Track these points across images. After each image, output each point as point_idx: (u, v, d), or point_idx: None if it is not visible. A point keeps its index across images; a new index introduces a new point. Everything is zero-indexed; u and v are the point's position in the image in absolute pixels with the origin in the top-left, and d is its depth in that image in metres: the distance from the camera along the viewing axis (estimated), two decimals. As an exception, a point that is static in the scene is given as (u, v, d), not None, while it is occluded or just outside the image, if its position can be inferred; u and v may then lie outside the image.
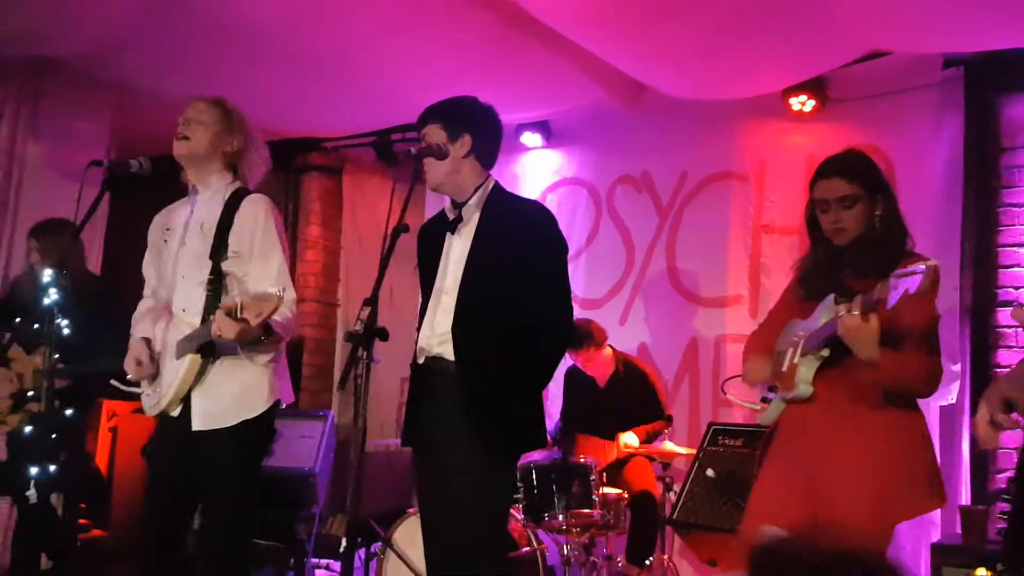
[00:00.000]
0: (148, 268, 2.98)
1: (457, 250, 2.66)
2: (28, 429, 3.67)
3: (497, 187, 2.74)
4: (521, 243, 2.61)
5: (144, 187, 2.89)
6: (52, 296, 2.83)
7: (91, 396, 3.83)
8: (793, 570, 1.02)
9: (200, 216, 2.84)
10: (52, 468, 2.67)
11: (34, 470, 2.66)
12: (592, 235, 5.61)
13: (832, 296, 2.44)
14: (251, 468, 2.81)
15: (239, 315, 2.48)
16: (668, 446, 4.37)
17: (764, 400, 2.66)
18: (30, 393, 3.70)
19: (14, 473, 3.64)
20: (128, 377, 2.84)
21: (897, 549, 3.84)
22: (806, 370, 2.46)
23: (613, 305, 5.42)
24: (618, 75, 4.83)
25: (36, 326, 3.64)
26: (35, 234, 3.98)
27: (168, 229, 2.90)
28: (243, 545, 2.77)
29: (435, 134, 2.64)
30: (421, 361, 2.68)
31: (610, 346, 4.76)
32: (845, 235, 2.53)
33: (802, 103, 4.83)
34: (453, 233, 2.67)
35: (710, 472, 4.20)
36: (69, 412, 3.60)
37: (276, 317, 2.62)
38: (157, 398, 2.79)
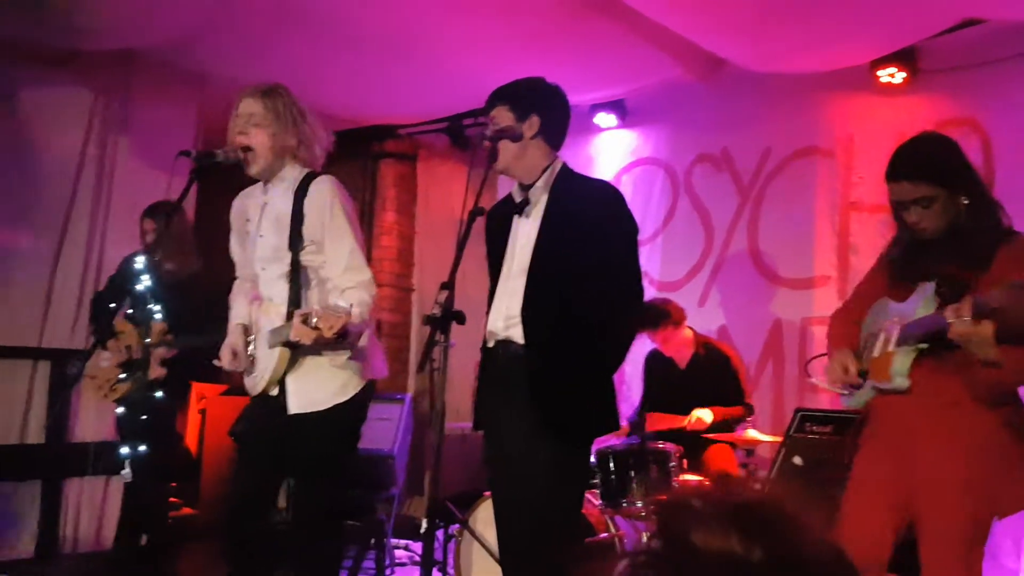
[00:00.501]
0: (235, 249, 3.07)
1: (525, 233, 2.65)
2: (120, 410, 3.81)
3: (565, 168, 2.72)
4: (590, 224, 2.59)
5: (231, 176, 2.96)
6: (145, 282, 2.93)
7: (184, 379, 3.96)
8: None
9: (274, 208, 2.89)
10: (143, 448, 2.78)
11: (125, 449, 2.76)
12: (669, 216, 5.54)
13: (932, 285, 2.33)
14: (341, 449, 2.88)
15: (313, 325, 2.52)
16: (751, 433, 4.27)
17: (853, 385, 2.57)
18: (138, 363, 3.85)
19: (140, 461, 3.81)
20: (222, 366, 2.93)
21: (996, 544, 3.70)
22: (902, 362, 2.36)
23: (691, 287, 5.35)
24: (694, 49, 4.74)
25: (130, 311, 3.79)
26: (151, 215, 4.08)
27: (248, 220, 2.97)
28: (333, 522, 2.85)
29: (503, 116, 2.63)
30: (491, 345, 2.69)
31: (690, 327, 4.70)
32: (928, 232, 2.42)
33: (891, 75, 4.65)
34: (521, 216, 2.66)
35: (797, 460, 4.09)
36: (159, 395, 3.73)
37: (355, 319, 2.65)
38: (254, 381, 2.88)
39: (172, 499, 4.65)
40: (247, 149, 2.82)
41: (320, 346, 2.69)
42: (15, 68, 4.77)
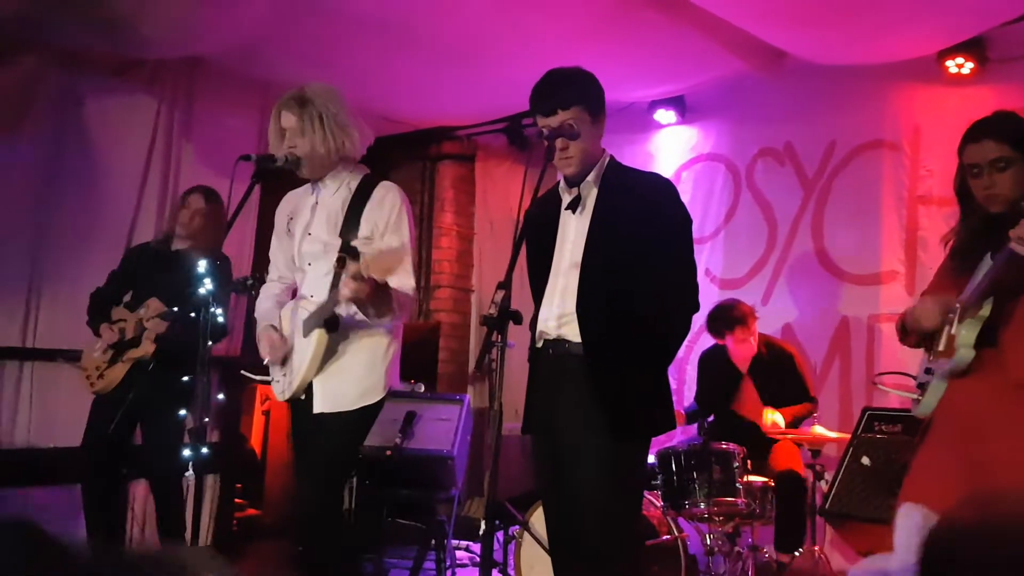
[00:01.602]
0: (275, 253, 3.10)
1: (574, 228, 2.62)
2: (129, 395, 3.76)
3: (613, 161, 2.68)
4: (643, 217, 2.55)
5: (291, 179, 3.01)
6: (207, 285, 2.98)
7: (185, 355, 3.72)
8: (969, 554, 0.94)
9: (326, 207, 2.91)
10: (204, 450, 2.84)
11: (188, 452, 2.83)
12: (731, 212, 5.48)
13: (988, 255, 2.29)
14: (353, 451, 2.93)
15: (367, 273, 2.53)
16: (818, 430, 4.19)
17: (920, 387, 2.51)
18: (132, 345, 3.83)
19: (149, 454, 3.85)
20: (265, 361, 2.98)
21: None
22: (967, 333, 2.30)
23: (755, 284, 5.28)
24: (755, 42, 4.67)
25: (192, 315, 3.86)
26: (205, 193, 4.09)
27: (292, 219, 3.00)
28: (339, 516, 2.89)
29: (579, 117, 2.56)
30: (540, 345, 2.65)
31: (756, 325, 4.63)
32: (1000, 200, 2.36)
33: (959, 65, 4.53)
34: (573, 212, 2.65)
35: (865, 460, 4.01)
36: (186, 379, 3.67)
37: (397, 283, 2.67)
38: (288, 382, 2.90)
39: (237, 500, 4.74)
40: (294, 160, 2.87)
41: (367, 307, 2.68)
42: (82, 77, 4.92)
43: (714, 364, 4.69)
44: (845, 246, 5.01)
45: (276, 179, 3.07)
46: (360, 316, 2.77)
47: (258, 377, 3.04)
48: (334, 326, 2.77)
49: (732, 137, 5.54)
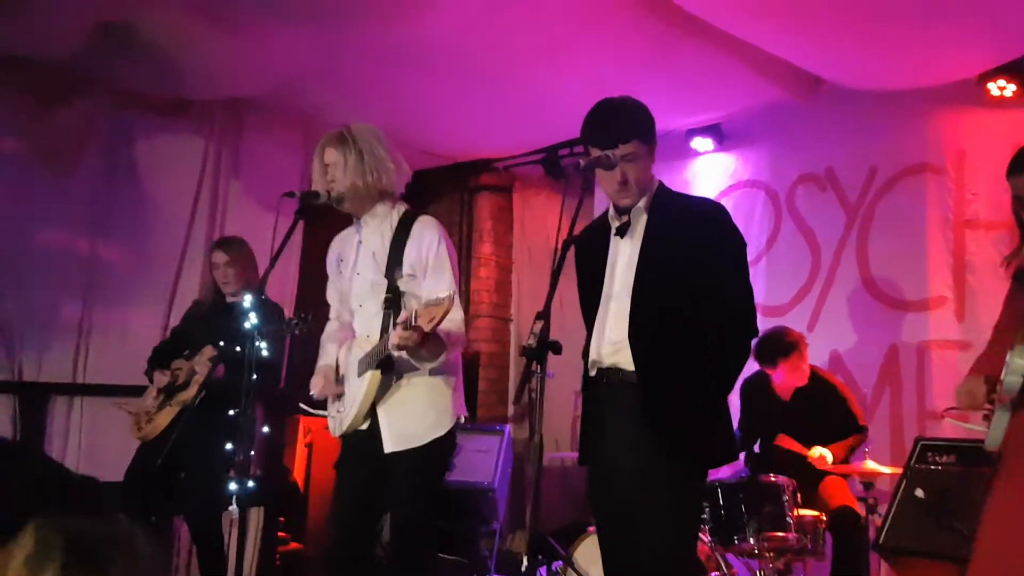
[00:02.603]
0: (331, 294, 3.15)
1: (626, 254, 2.60)
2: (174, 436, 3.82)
3: (663, 187, 2.68)
4: (696, 241, 2.53)
5: (335, 216, 3.05)
6: (252, 320, 3.02)
7: (229, 398, 3.91)
8: None
9: (370, 245, 2.95)
10: (251, 484, 2.86)
11: (233, 485, 2.85)
12: (772, 238, 5.42)
13: None
14: (436, 484, 2.91)
15: (414, 323, 2.56)
16: (869, 465, 4.07)
17: (986, 418, 2.42)
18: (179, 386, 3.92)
19: (187, 490, 3.88)
20: (312, 394, 3.00)
21: None
22: (1019, 360, 2.22)
23: (799, 312, 5.20)
24: (791, 69, 4.65)
25: (237, 349, 3.92)
26: (222, 247, 4.25)
27: (341, 260, 3.05)
28: (426, 555, 2.86)
29: (638, 149, 2.55)
30: (594, 374, 2.63)
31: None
32: None
33: (1001, 88, 4.45)
34: (622, 237, 2.63)
35: (919, 492, 3.87)
36: (231, 412, 3.73)
37: (447, 325, 2.67)
38: (341, 419, 2.92)
39: (280, 534, 4.75)
40: (339, 193, 2.91)
41: (419, 354, 2.71)
42: (133, 117, 5.06)
43: (757, 392, 4.58)
44: (891, 272, 4.92)
45: (320, 216, 3.11)
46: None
47: (316, 411, 3.06)
48: (388, 367, 2.80)
49: (771, 163, 5.49)
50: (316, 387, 2.97)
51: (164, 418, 3.94)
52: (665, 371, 2.47)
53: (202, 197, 5.25)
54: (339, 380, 2.97)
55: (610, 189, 2.60)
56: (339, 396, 2.95)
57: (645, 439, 2.46)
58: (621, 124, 2.57)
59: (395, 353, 2.75)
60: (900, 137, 4.92)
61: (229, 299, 4.18)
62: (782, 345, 4.34)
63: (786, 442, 4.30)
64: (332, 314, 3.17)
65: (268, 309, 3.68)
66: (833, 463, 4.22)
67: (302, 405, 3.07)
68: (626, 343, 2.52)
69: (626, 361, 2.52)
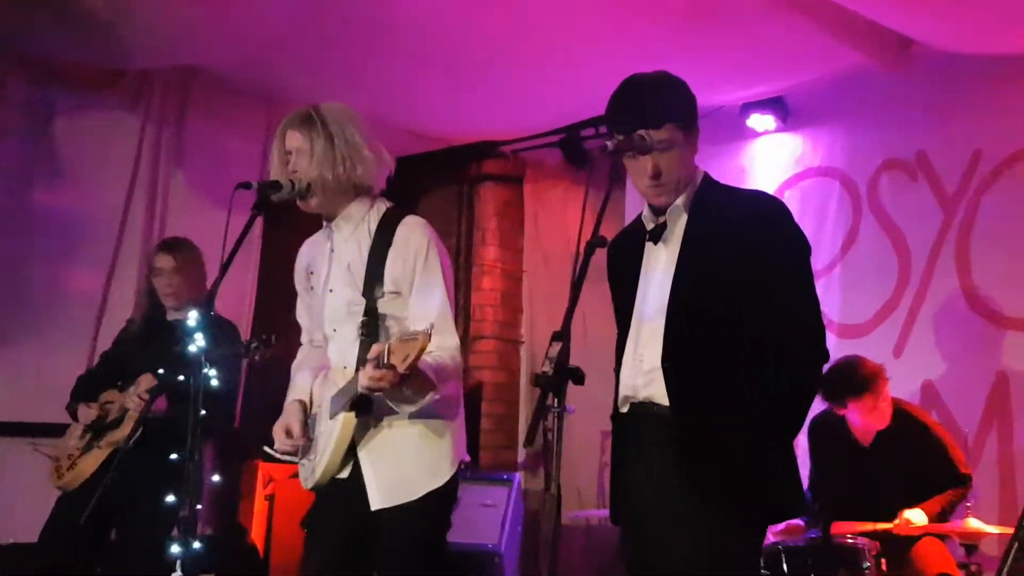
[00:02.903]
0: (301, 314, 3.14)
1: (661, 263, 2.60)
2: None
3: (708, 180, 2.67)
4: (747, 245, 2.51)
5: (300, 213, 3.03)
6: (199, 342, 3.01)
7: (177, 436, 3.90)
8: None
9: (344, 255, 2.95)
10: (197, 545, 2.84)
11: (176, 548, 2.84)
12: (849, 240, 5.41)
13: None
14: (439, 544, 2.90)
15: (386, 361, 2.55)
16: (972, 523, 4.05)
17: None
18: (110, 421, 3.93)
19: (126, 552, 3.87)
20: (275, 448, 3.00)
21: None
22: None
23: (883, 332, 5.19)
24: (874, 29, 4.64)
25: (180, 378, 3.93)
26: (169, 249, 4.23)
27: (312, 272, 3.04)
28: None
29: (673, 136, 2.55)
30: (625, 410, 2.62)
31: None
32: None
33: None
34: (656, 242, 2.63)
35: (1035, 558, 3.88)
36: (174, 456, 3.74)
37: (428, 360, 2.65)
38: (311, 468, 2.91)
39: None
40: (308, 186, 2.90)
41: (395, 397, 2.71)
42: (51, 91, 5.10)
43: (830, 435, 4.53)
44: (1000, 281, 4.90)
45: (284, 215, 3.12)
46: None
47: (284, 456, 3.06)
48: (365, 407, 2.79)
49: (848, 146, 5.49)
50: (278, 438, 2.96)
51: (91, 462, 3.94)
52: (706, 406, 2.46)
53: (137, 190, 5.27)
54: (310, 421, 2.97)
55: (641, 184, 2.60)
56: (308, 444, 2.95)
57: (686, 491, 2.44)
58: (653, 105, 2.56)
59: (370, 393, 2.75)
60: (1011, 114, 4.90)
61: (171, 315, 4.19)
62: (854, 382, 4.32)
63: (849, 528, 4.23)
64: (304, 337, 3.17)
65: (220, 328, 3.69)
66: (930, 522, 4.19)
67: (267, 449, 3.06)
68: (660, 372, 2.51)
69: (660, 394, 2.52)
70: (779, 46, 4.81)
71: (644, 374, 2.55)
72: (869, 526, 4.17)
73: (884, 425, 4.43)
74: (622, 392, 2.62)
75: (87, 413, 4.01)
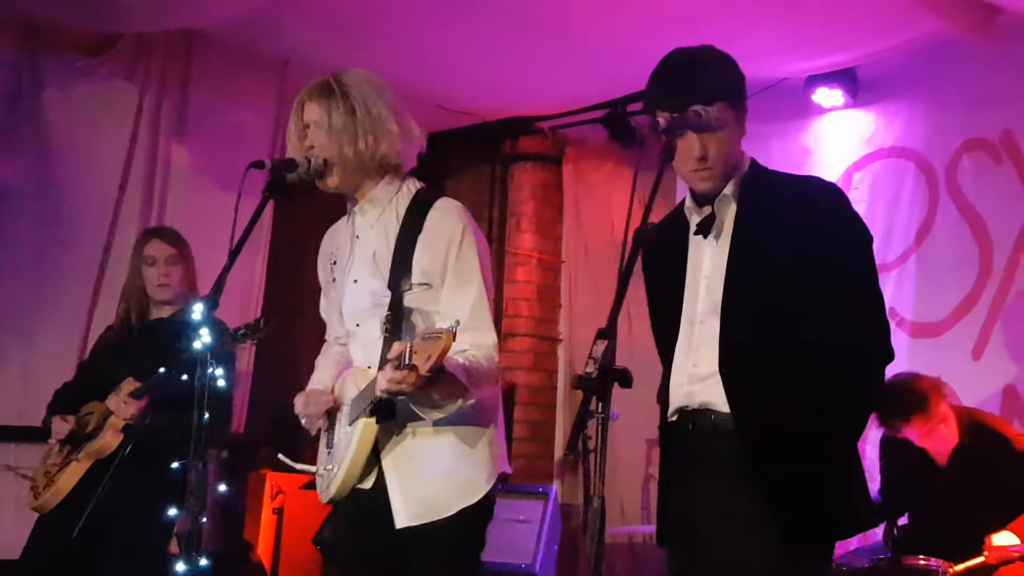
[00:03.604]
0: (327, 311, 3.13)
1: (711, 259, 2.61)
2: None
3: (756, 166, 2.67)
4: (804, 238, 2.52)
5: (318, 196, 3.02)
6: (205, 338, 3.00)
7: (169, 450, 3.72)
8: None
9: (369, 242, 2.93)
10: (203, 562, 2.85)
11: (181, 566, 2.86)
12: (925, 228, 5.39)
13: None
14: (473, 569, 2.89)
15: (407, 362, 2.52)
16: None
17: None
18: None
19: (120, 570, 3.89)
20: (297, 411, 2.98)
21: None
22: None
23: (962, 330, 5.18)
24: (956, -7, 4.65)
25: (184, 377, 3.95)
26: (164, 236, 4.22)
27: (335, 262, 3.03)
28: None
29: (723, 115, 2.55)
30: (675, 419, 2.63)
31: (950, 404, 4.47)
32: None
33: None
34: (705, 237, 2.63)
35: None
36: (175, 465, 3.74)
37: (458, 360, 2.65)
38: (328, 479, 2.89)
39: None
40: (325, 163, 2.89)
41: (418, 401, 2.71)
42: (41, 58, 5.09)
43: (902, 450, 4.53)
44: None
45: (295, 195, 3.11)
46: None
47: (299, 466, 3.06)
48: (387, 413, 2.75)
49: (925, 125, 5.47)
50: (299, 403, 2.97)
51: (69, 478, 3.93)
52: (770, 413, 2.47)
53: (134, 168, 5.27)
54: (333, 423, 2.97)
55: (685, 168, 2.60)
56: (329, 429, 2.95)
57: (749, 510, 2.44)
58: (705, 80, 2.56)
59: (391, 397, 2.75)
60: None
61: (156, 312, 4.19)
62: (901, 406, 4.30)
63: (945, 516, 4.22)
64: (328, 334, 3.17)
65: (216, 326, 3.71)
66: (1019, 543, 4.17)
67: (281, 456, 3.06)
68: (717, 377, 2.52)
69: (719, 401, 2.53)
70: (850, 11, 4.79)
71: (698, 379, 2.56)
72: (959, 567, 4.15)
73: (954, 443, 4.42)
74: (673, 401, 2.63)
75: (61, 426, 4.00)
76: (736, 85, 2.62)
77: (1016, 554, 4.17)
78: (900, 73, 5.45)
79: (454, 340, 2.50)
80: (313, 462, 3.02)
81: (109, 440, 3.89)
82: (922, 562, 3.89)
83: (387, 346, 2.79)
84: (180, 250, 4.19)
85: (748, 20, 4.45)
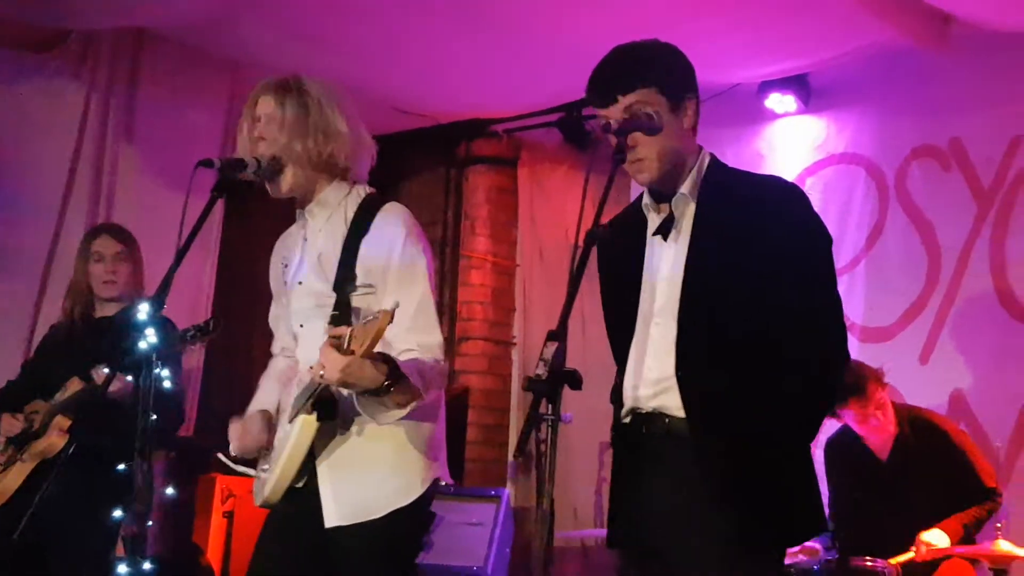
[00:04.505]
0: (276, 319, 3.11)
1: (669, 259, 2.58)
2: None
3: (715, 164, 2.65)
4: (764, 239, 2.50)
5: (269, 198, 2.98)
6: (150, 338, 2.97)
7: (114, 447, 3.67)
8: None
9: (316, 245, 2.92)
10: (148, 566, 2.81)
11: (123, 568, 2.81)
12: (875, 234, 5.44)
13: None
14: (408, 569, 2.86)
15: (347, 346, 2.51)
16: (1002, 546, 4.09)
17: None
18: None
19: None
20: (231, 450, 2.95)
21: None
22: None
23: (910, 336, 5.22)
24: (911, 3, 4.66)
25: (129, 378, 3.91)
26: (114, 233, 4.19)
27: (286, 266, 3.01)
28: None
29: (650, 102, 2.54)
30: (628, 421, 2.61)
31: (887, 394, 4.53)
32: None
33: None
34: (665, 238, 2.62)
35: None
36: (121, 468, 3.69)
37: (411, 362, 2.63)
38: (265, 482, 2.84)
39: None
40: (274, 160, 2.87)
41: (357, 391, 2.64)
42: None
43: (845, 452, 4.59)
44: (1040, 282, 4.93)
45: (247, 196, 3.08)
46: None
47: (240, 468, 3.02)
48: (328, 412, 2.74)
49: (876, 131, 5.51)
50: (234, 436, 2.93)
51: (14, 478, 3.89)
52: (728, 417, 2.46)
53: (81, 168, 5.19)
54: (268, 432, 2.94)
55: (626, 161, 2.56)
56: (267, 449, 2.91)
57: (702, 514, 2.43)
58: (627, 68, 2.56)
59: (336, 390, 2.71)
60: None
61: (101, 310, 4.13)
62: (843, 387, 4.34)
63: (885, 516, 4.26)
64: (275, 346, 3.13)
65: (164, 325, 3.66)
66: (954, 543, 4.21)
67: (220, 456, 3.02)
68: (673, 381, 2.51)
69: (674, 405, 2.51)
70: (803, 18, 4.81)
71: (653, 383, 2.54)
72: (893, 561, 4.19)
73: (889, 434, 4.49)
74: (626, 402, 2.61)
75: (13, 424, 3.96)
76: (668, 73, 2.58)
77: (943, 553, 4.22)
78: (852, 80, 5.49)
79: (391, 321, 2.48)
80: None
81: (54, 440, 3.85)
82: (868, 563, 3.92)
83: None
84: (128, 247, 4.14)
85: (702, 26, 4.46)
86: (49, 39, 5.13)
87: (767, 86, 5.60)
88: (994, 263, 5.07)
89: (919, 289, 5.26)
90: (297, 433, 2.75)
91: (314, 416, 2.72)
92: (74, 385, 3.88)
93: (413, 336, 2.74)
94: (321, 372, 2.58)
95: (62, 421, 3.85)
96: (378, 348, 2.61)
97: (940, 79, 5.21)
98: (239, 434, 2.90)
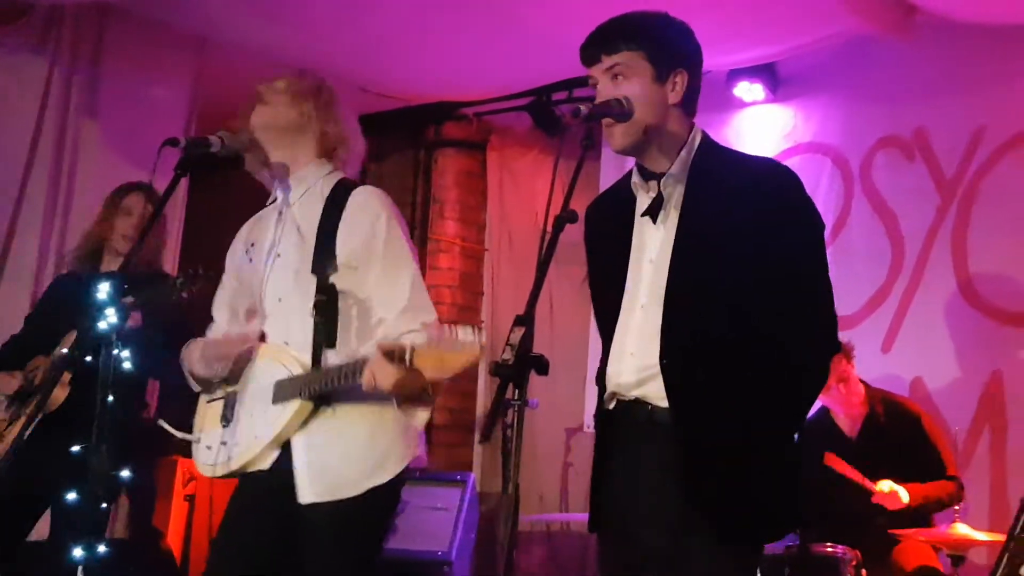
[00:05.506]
0: (220, 309, 3.07)
1: (656, 241, 2.52)
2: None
3: (707, 141, 2.59)
4: (757, 223, 2.45)
5: (231, 171, 2.99)
6: (112, 318, 2.94)
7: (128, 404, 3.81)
8: None
9: (295, 216, 2.91)
10: (103, 550, 2.76)
11: (79, 552, 2.76)
12: (840, 223, 5.46)
13: None
14: (371, 553, 2.84)
15: (408, 362, 2.47)
16: (960, 530, 4.12)
17: None
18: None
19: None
20: (196, 371, 2.92)
21: None
22: None
23: (872, 324, 5.25)
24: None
25: (88, 359, 3.87)
26: (144, 191, 4.06)
27: (253, 244, 2.99)
28: None
29: (634, 66, 2.49)
30: (611, 407, 2.58)
31: (862, 381, 4.58)
32: None
33: None
34: (654, 220, 2.59)
35: (1027, 570, 3.95)
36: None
37: (411, 336, 2.62)
38: (227, 452, 2.83)
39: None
40: (245, 139, 2.87)
41: (400, 397, 2.65)
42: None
43: (816, 433, 4.60)
44: (998, 272, 4.97)
45: (215, 172, 3.06)
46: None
47: (180, 434, 2.99)
48: (325, 401, 2.75)
49: (842, 120, 5.54)
50: (196, 350, 2.91)
51: (18, 431, 3.84)
52: (711, 409, 2.42)
53: (42, 145, 5.09)
54: (226, 392, 2.92)
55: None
56: (221, 398, 2.89)
57: (682, 504, 2.40)
58: (615, 29, 2.52)
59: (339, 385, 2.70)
60: (1017, 91, 4.96)
61: (109, 262, 4.07)
62: None
63: (838, 464, 4.31)
64: (214, 333, 3.08)
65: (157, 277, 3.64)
66: (908, 503, 4.26)
67: (162, 422, 2.99)
68: (657, 369, 2.46)
69: (657, 394, 2.46)
70: (771, 6, 4.82)
71: (637, 371, 2.50)
72: (857, 476, 4.28)
73: (859, 412, 4.54)
74: (609, 388, 2.57)
75: (9, 382, 3.93)
76: (659, 43, 2.52)
77: (899, 507, 4.25)
78: (819, 69, 5.52)
79: (482, 355, 2.48)
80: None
81: (57, 394, 3.79)
82: (829, 549, 3.93)
83: (320, 330, 2.78)
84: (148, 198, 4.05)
85: (672, 13, 4.45)
86: (10, 12, 5.03)
87: (736, 74, 5.62)
88: (956, 254, 5.11)
89: (883, 278, 5.29)
90: (290, 416, 2.75)
91: (311, 404, 2.74)
92: (70, 338, 3.85)
93: (412, 317, 2.77)
94: (372, 381, 2.57)
95: (64, 375, 3.83)
96: (378, 333, 2.70)
97: (904, 69, 5.24)
98: (216, 345, 2.90)
